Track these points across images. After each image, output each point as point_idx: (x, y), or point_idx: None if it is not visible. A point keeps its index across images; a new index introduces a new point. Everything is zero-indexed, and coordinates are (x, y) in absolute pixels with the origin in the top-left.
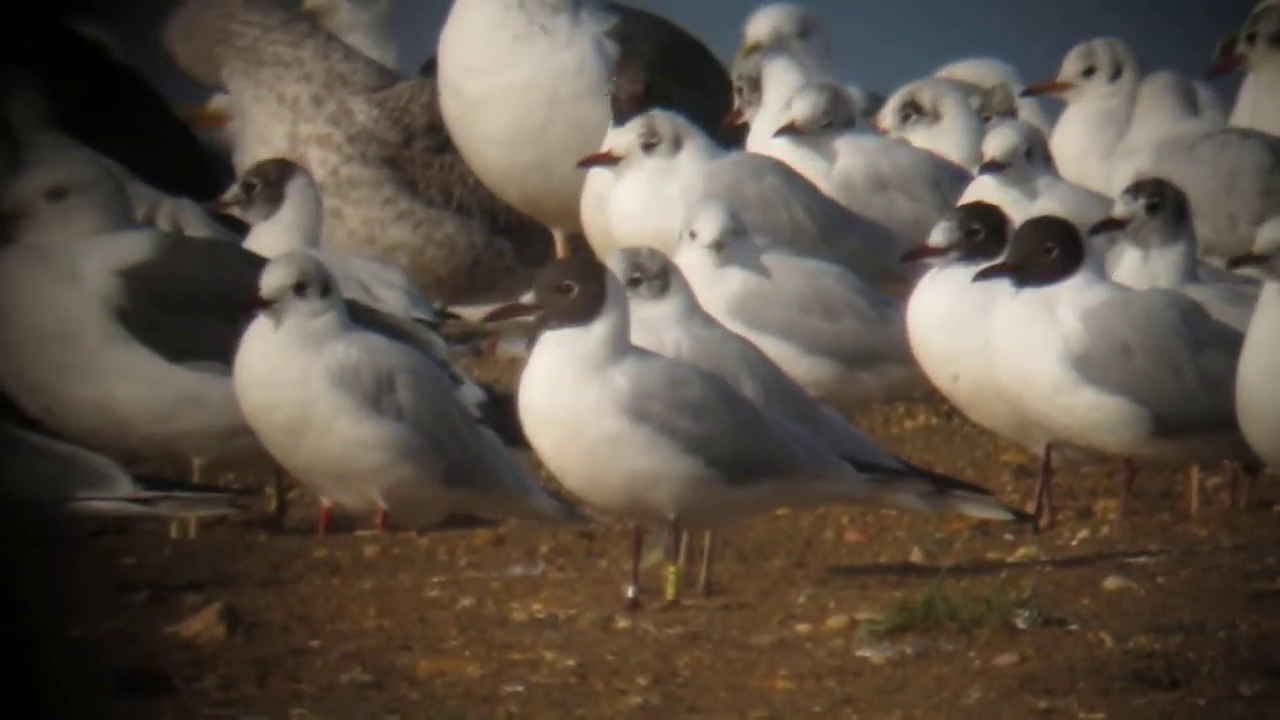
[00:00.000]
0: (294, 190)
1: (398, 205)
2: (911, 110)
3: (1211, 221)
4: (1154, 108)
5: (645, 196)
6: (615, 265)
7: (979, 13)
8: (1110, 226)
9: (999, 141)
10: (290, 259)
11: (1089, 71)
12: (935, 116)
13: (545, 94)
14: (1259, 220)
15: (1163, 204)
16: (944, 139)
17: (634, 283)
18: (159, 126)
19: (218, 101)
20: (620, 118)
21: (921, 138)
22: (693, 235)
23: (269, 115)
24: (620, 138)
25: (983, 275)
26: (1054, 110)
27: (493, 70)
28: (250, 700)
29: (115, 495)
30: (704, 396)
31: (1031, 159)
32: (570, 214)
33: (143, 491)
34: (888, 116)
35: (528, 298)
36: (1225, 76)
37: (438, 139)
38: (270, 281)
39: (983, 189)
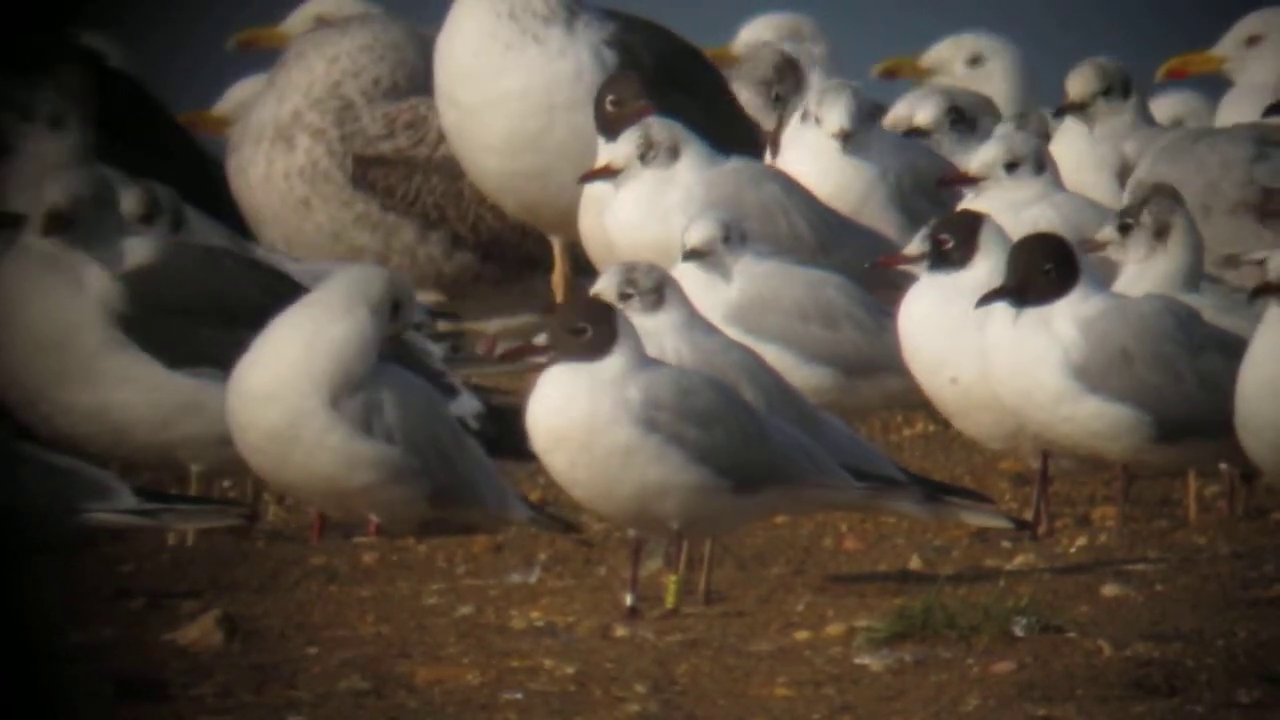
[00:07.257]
0: None
1: (354, 208)
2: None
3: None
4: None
5: (644, 206)
6: (610, 280)
7: (960, 3)
8: (1092, 248)
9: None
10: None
11: (1107, 91)
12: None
13: (541, 101)
14: (1234, 210)
15: (1136, 225)
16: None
17: (625, 297)
18: (160, 132)
19: (221, 107)
20: (609, 133)
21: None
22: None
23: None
24: (616, 150)
25: (985, 300)
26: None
27: (488, 78)
28: (247, 707)
29: (119, 507)
30: (712, 406)
31: (1017, 171)
32: (569, 222)
33: (144, 504)
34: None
35: (541, 339)
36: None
37: (419, 155)
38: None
39: (980, 198)
